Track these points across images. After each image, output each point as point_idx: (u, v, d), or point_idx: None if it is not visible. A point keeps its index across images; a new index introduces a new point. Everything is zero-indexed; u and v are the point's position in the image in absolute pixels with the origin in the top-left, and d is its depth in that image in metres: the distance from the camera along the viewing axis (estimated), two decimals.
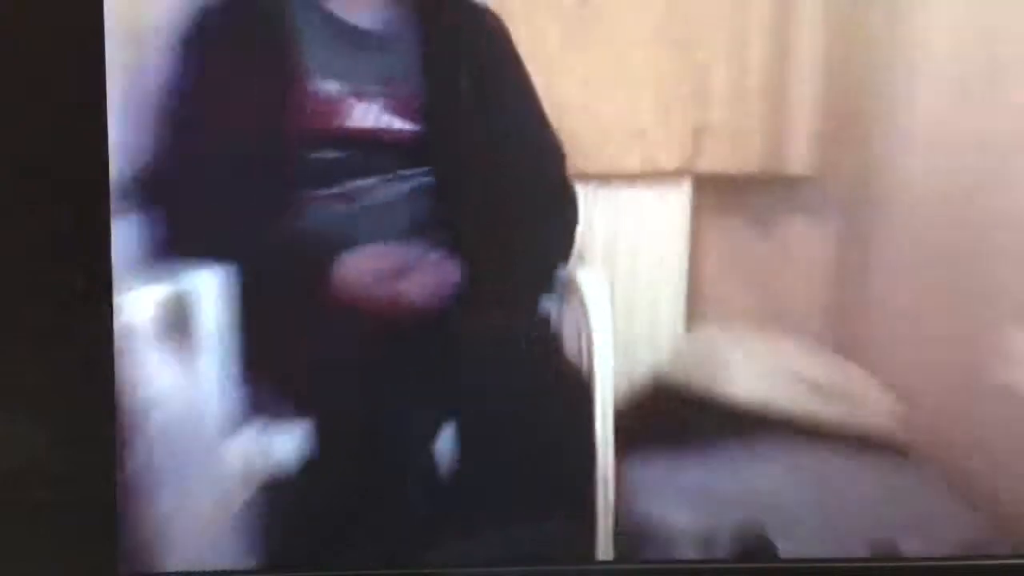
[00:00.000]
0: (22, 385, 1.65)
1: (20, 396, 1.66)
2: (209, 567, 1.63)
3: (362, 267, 1.50)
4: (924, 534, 1.57)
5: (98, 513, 1.65)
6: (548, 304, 1.53)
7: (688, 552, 1.57)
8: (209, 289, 1.50)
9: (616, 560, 1.55)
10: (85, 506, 1.66)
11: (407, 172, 1.52)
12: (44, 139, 1.61)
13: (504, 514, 1.52)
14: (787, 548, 1.54)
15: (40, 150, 1.61)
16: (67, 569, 1.67)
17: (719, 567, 1.66)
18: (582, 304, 1.53)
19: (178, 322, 1.54)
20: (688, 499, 1.56)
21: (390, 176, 1.51)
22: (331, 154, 1.50)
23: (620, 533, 1.55)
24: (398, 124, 1.49)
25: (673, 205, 1.58)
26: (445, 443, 1.52)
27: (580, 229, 1.53)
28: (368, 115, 1.49)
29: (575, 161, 1.51)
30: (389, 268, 1.50)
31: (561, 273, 1.52)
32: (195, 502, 1.55)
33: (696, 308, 1.59)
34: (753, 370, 1.59)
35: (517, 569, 1.68)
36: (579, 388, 1.52)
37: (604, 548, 1.55)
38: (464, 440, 1.51)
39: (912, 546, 1.54)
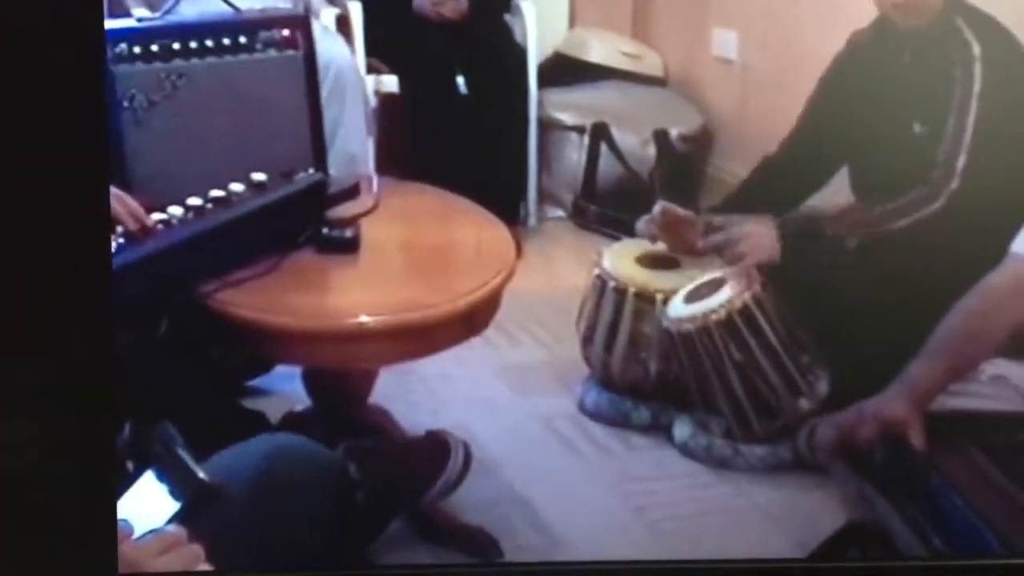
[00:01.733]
0: (22, 386, 1.67)
1: (20, 397, 1.68)
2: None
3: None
4: (678, 123, 3.31)
5: (98, 515, 1.63)
6: (508, 17, 3.27)
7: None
8: (356, 9, 3.15)
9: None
10: (85, 508, 1.68)
11: None
12: (44, 139, 1.63)
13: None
14: (621, 137, 3.26)
15: (40, 150, 1.64)
16: (67, 570, 1.71)
17: (717, 567, 2.07)
18: (523, 16, 3.27)
19: (343, 21, 3.09)
20: (569, 107, 3.33)
21: None
22: None
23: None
24: None
25: None
26: (462, 85, 3.21)
27: None
28: None
29: None
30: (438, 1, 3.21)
31: (515, 3, 3.26)
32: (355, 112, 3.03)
33: (574, 20, 3.39)
34: (600, 48, 3.38)
35: (519, 567, 2.06)
36: (522, 54, 3.25)
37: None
38: (469, 81, 3.22)
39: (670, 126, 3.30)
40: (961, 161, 2.39)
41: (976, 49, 2.41)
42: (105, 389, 1.71)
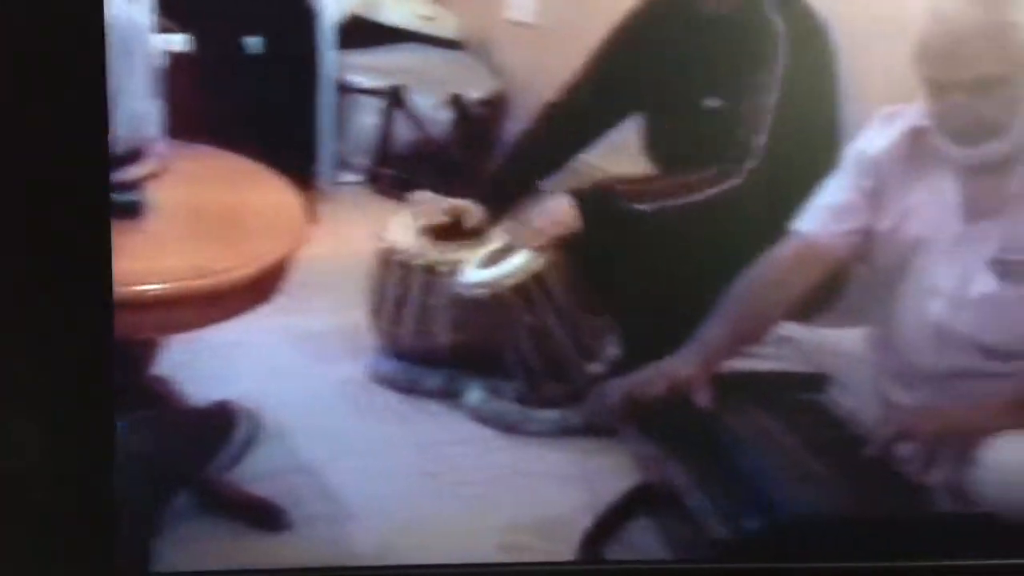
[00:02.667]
0: (22, 385, 1.69)
1: (20, 396, 1.69)
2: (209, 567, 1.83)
3: None
4: (474, 87, 3.28)
5: (98, 514, 1.69)
6: None
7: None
8: None
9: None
10: (84, 507, 1.70)
11: None
12: (44, 139, 1.64)
13: None
14: (417, 101, 3.24)
15: (40, 150, 1.65)
16: (67, 570, 1.72)
17: (715, 567, 2.06)
18: None
19: None
20: (365, 70, 3.27)
21: None
22: None
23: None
24: None
25: None
26: (254, 45, 3.13)
27: None
28: None
29: None
30: None
31: None
32: (141, 72, 2.98)
33: None
34: (395, 10, 3.31)
35: (520, 567, 2.06)
36: (317, 15, 3.16)
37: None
38: (262, 41, 3.15)
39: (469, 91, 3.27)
40: (762, 140, 2.43)
41: (780, 28, 2.43)
42: (105, 389, 1.72)
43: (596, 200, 2.51)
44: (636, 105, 2.57)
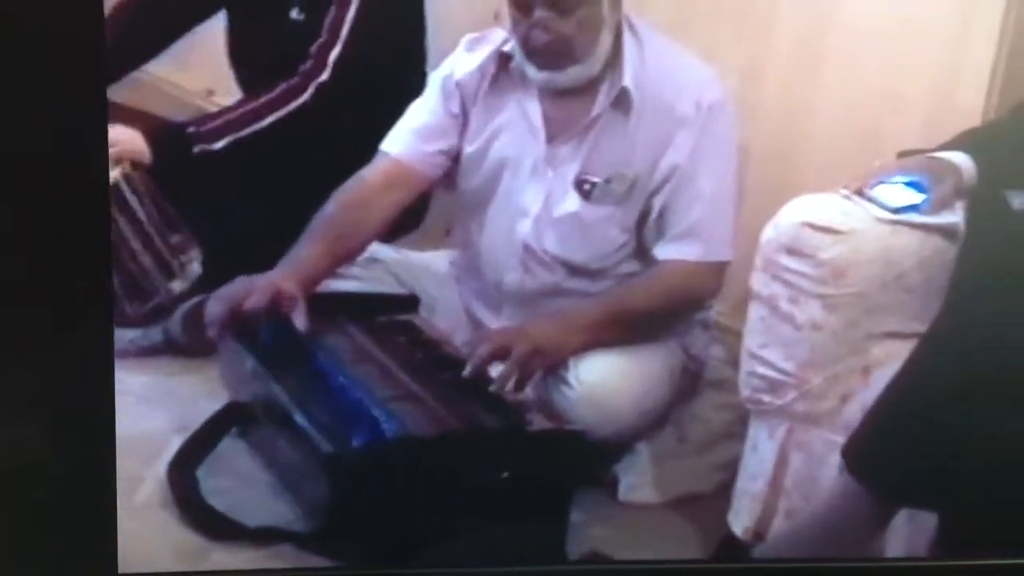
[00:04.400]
0: (22, 385, 1.69)
1: (20, 396, 1.70)
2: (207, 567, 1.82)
3: None
4: None
5: (98, 513, 1.71)
6: None
7: None
8: None
9: None
10: (85, 506, 1.72)
11: None
12: (44, 139, 1.64)
13: None
14: None
15: (40, 150, 1.65)
16: (67, 569, 1.74)
17: (711, 567, 2.06)
18: None
19: None
20: None
21: None
22: None
23: None
24: None
25: None
26: None
27: None
28: None
29: None
30: None
31: None
32: None
33: None
34: None
35: (513, 570, 1.99)
36: None
37: None
38: None
39: None
40: (335, 54, 2.38)
41: None
42: (105, 389, 1.71)
43: (166, 141, 2.37)
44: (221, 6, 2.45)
